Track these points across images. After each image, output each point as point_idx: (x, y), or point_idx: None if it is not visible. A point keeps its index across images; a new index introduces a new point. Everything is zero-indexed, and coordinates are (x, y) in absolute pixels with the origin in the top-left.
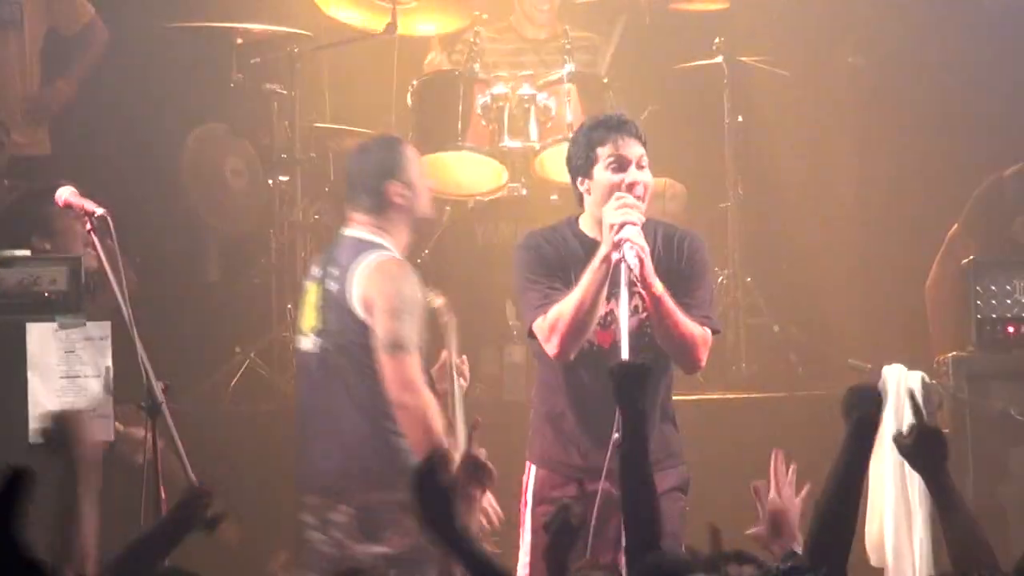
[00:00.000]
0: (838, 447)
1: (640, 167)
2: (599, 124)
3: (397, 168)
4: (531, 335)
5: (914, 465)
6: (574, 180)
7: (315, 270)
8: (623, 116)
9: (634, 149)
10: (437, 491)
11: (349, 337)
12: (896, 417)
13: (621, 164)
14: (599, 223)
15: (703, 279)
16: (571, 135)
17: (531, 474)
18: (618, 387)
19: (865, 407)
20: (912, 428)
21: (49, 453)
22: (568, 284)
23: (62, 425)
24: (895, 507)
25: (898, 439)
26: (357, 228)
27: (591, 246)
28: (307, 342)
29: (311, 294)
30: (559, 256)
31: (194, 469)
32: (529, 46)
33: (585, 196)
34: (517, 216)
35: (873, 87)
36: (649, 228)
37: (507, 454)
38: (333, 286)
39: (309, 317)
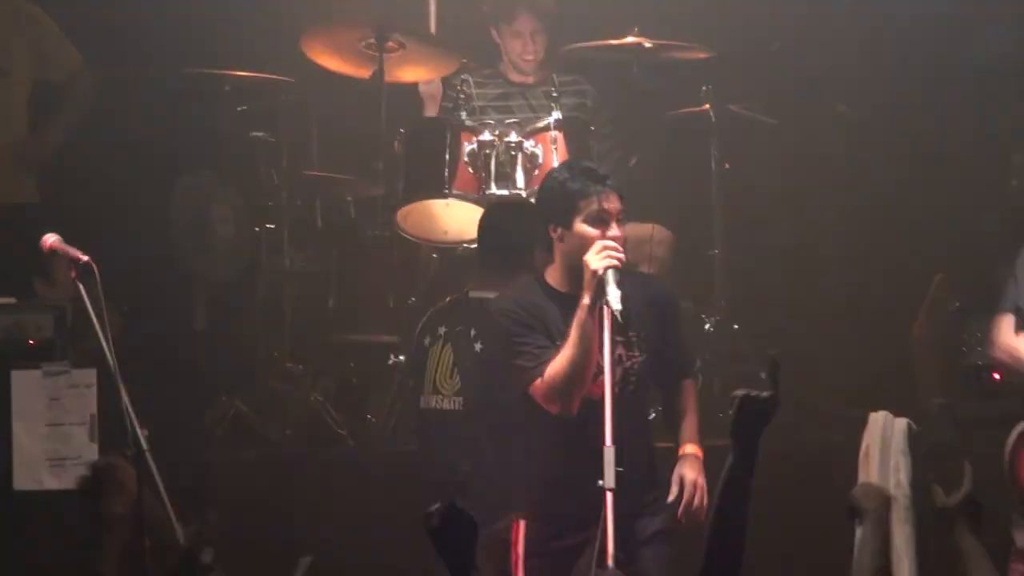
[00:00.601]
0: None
1: (618, 221)
2: (582, 174)
3: None
4: (526, 396)
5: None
6: (547, 225)
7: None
8: (602, 170)
9: (615, 204)
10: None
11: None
12: (883, 465)
13: (604, 219)
14: (570, 273)
15: (679, 324)
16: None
17: (521, 528)
18: (742, 420)
19: (752, 421)
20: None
21: (86, 504)
22: (552, 340)
23: (101, 475)
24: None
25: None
26: None
27: (563, 299)
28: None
29: None
30: (535, 315)
31: (180, 518)
32: (517, 90)
33: (556, 243)
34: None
35: (859, 135)
36: (626, 278)
37: None
38: None
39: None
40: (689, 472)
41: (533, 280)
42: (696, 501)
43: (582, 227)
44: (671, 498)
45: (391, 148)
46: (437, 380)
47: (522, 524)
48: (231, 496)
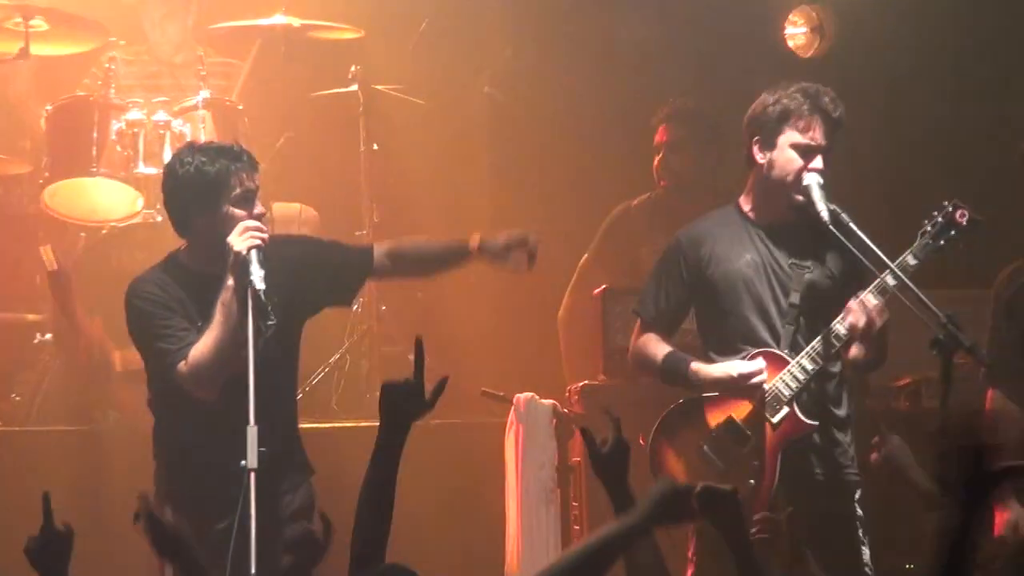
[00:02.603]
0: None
1: (256, 203)
2: (223, 154)
3: None
4: (167, 380)
5: (603, 476)
6: (189, 213)
7: None
8: (235, 148)
9: (257, 181)
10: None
11: None
12: (531, 443)
13: (249, 198)
14: (207, 254)
15: (332, 248)
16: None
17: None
18: (387, 405)
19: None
20: (610, 440)
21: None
22: (191, 322)
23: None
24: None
25: (593, 451)
26: None
27: (196, 279)
28: None
29: None
30: (174, 297)
31: None
32: (166, 69)
33: (196, 225)
34: (152, 243)
35: (507, 116)
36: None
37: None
38: None
39: None
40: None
41: (172, 261)
42: None
43: (231, 210)
44: None
45: (37, 126)
46: None
47: (167, 511)
48: None
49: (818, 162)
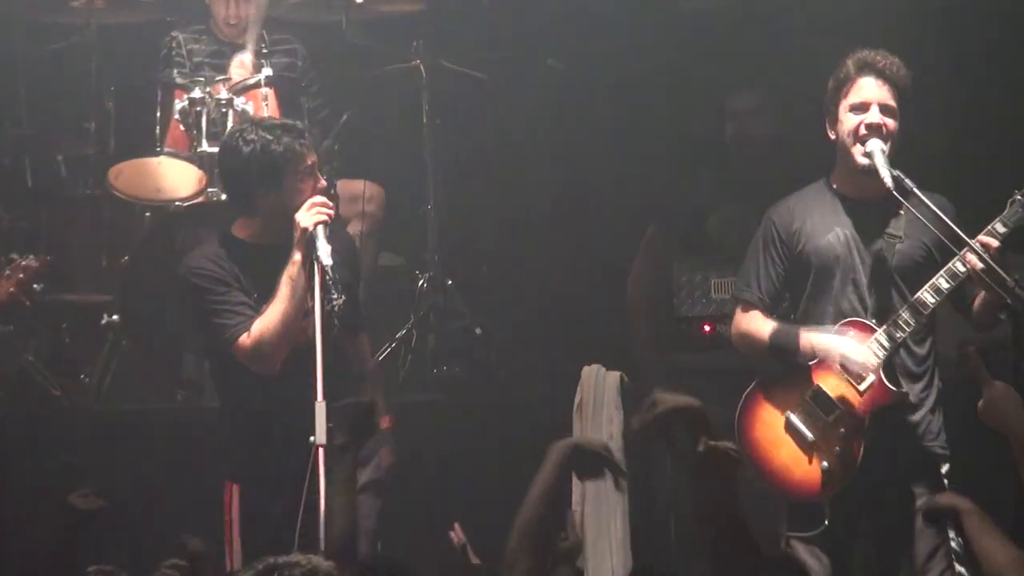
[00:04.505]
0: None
1: (318, 177)
2: (287, 132)
3: None
4: (229, 354)
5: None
6: (249, 191)
7: None
8: (298, 124)
9: (316, 157)
10: None
11: None
12: (596, 415)
13: (312, 174)
14: (265, 228)
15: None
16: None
17: (235, 493)
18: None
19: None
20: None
21: None
22: (248, 294)
23: None
24: (595, 504)
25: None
26: None
27: (252, 252)
28: None
29: None
30: (229, 271)
31: None
32: (228, 48)
33: (259, 201)
34: (217, 221)
35: (570, 91)
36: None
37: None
38: None
39: None
40: (387, 456)
41: (226, 235)
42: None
43: (297, 186)
44: None
45: (102, 106)
46: None
47: (235, 489)
48: None
49: (874, 114)
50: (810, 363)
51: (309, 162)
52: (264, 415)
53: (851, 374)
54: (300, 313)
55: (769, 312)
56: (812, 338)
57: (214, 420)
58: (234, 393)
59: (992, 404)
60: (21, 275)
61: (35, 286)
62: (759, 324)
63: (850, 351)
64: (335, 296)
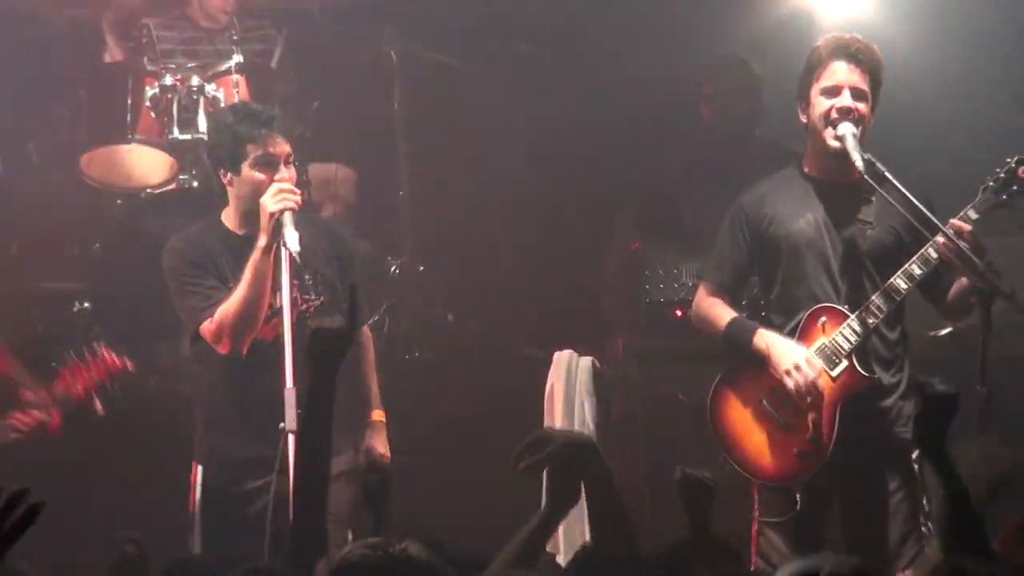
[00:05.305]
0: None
1: (287, 164)
2: (247, 117)
3: None
4: (197, 338)
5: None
6: (216, 170)
7: None
8: (272, 111)
9: (282, 147)
10: None
11: None
12: (567, 401)
13: (271, 162)
14: (244, 216)
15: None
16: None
17: (198, 473)
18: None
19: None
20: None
21: None
22: (223, 281)
23: None
24: None
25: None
26: None
27: (235, 240)
28: None
29: None
30: (207, 255)
31: None
32: (204, 35)
33: (228, 188)
34: (189, 208)
35: (540, 75)
36: (305, 223)
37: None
38: None
39: None
40: (379, 445)
41: (213, 221)
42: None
43: (250, 172)
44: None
45: (74, 93)
46: None
47: (199, 469)
48: None
49: (845, 98)
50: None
51: (272, 149)
52: (230, 401)
53: (794, 388)
54: (261, 298)
55: (733, 296)
56: (767, 339)
57: (188, 406)
58: (206, 375)
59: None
60: (99, 375)
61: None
62: (719, 311)
63: (800, 364)
64: (312, 297)
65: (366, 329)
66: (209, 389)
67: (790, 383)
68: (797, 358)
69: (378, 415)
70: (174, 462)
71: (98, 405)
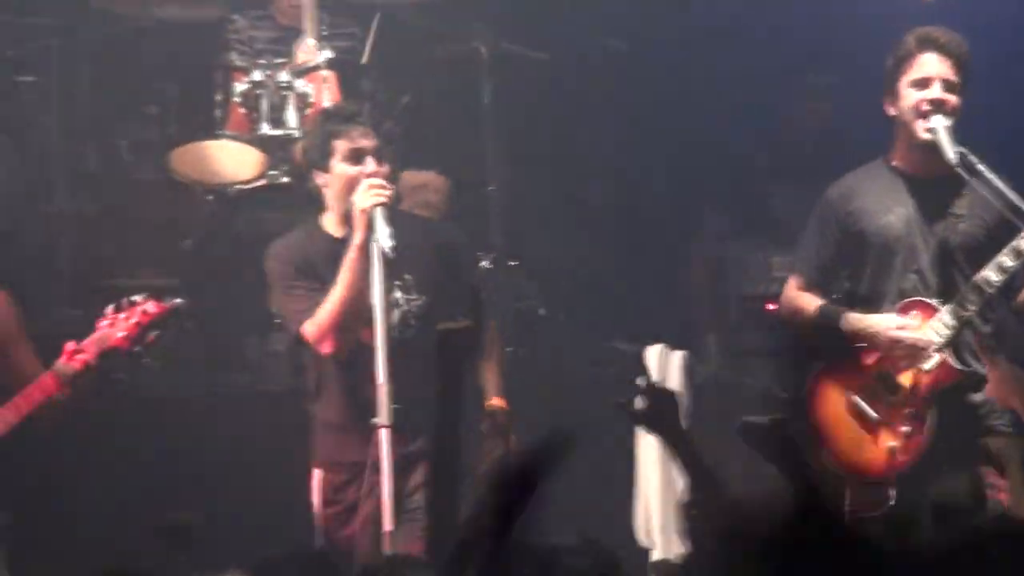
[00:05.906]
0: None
1: (376, 159)
2: (332, 116)
3: None
4: (301, 341)
5: (651, 427)
6: (310, 173)
7: None
8: (357, 107)
9: (368, 140)
10: None
11: None
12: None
13: (358, 157)
14: (342, 217)
15: (470, 267)
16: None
17: (317, 478)
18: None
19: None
20: (646, 390)
21: None
22: (323, 282)
23: None
24: (661, 489)
25: (629, 407)
26: None
27: (335, 244)
28: None
29: None
30: (308, 259)
31: None
32: (289, 34)
33: (324, 190)
34: (278, 203)
35: (631, 72)
36: (405, 221)
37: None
38: None
39: None
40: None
41: (313, 226)
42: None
43: (340, 167)
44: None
45: (164, 90)
46: None
47: (317, 474)
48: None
49: (935, 90)
50: (861, 347)
51: (358, 143)
52: (338, 404)
53: (907, 354)
54: (359, 297)
55: (822, 290)
56: (860, 317)
57: (277, 403)
58: (311, 381)
59: (996, 384)
60: (136, 319)
61: (150, 335)
62: (807, 300)
63: (903, 324)
64: (414, 296)
65: (493, 324)
66: (318, 393)
67: (903, 336)
68: (898, 320)
69: (497, 402)
70: (268, 460)
71: (150, 338)
